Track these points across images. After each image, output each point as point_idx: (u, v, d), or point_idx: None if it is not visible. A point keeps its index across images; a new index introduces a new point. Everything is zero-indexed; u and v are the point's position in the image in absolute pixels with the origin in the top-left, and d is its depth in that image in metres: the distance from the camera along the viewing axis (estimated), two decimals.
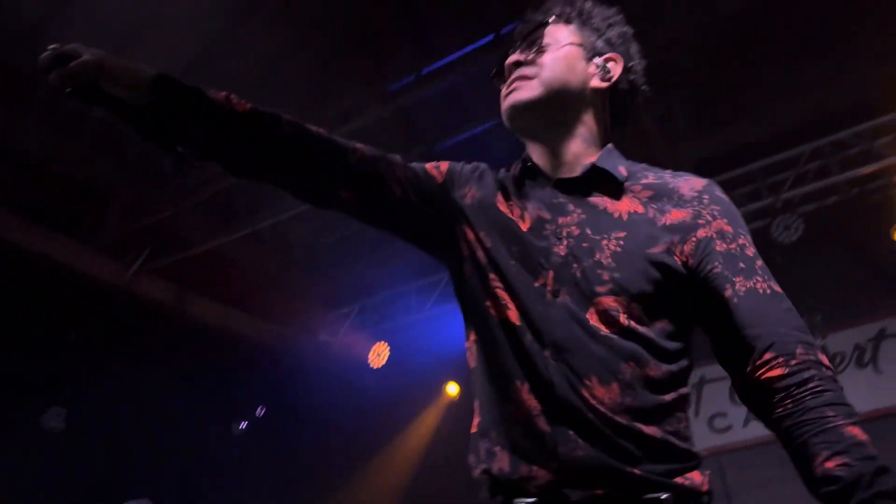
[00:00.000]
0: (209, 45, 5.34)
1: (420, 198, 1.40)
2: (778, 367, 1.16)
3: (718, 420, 6.43)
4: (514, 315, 1.27)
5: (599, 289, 1.23)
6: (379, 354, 7.12)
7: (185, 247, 6.12)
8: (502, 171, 1.48)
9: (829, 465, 1.07)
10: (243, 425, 7.69)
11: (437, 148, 5.28)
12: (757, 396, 1.19)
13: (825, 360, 1.17)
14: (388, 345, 7.11)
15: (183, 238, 6.13)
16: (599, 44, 1.43)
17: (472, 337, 1.37)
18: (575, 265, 1.26)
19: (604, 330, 1.21)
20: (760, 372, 1.17)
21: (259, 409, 7.73)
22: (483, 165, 1.49)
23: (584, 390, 1.18)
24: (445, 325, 6.61)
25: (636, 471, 1.14)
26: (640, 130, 4.75)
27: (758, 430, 6.25)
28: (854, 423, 1.10)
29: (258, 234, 6.41)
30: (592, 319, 1.22)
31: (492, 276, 1.32)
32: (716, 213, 1.29)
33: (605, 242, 1.26)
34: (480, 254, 1.35)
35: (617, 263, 1.24)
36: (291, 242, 6.98)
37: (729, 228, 1.28)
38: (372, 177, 1.35)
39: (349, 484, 7.62)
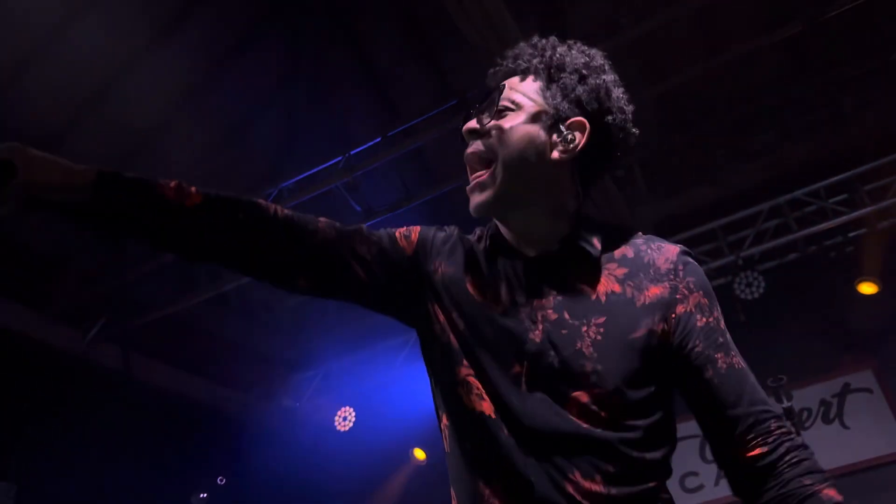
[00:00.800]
0: (183, 102, 5.34)
1: (387, 275, 1.32)
2: (759, 447, 1.19)
3: (690, 479, 6.36)
4: (488, 407, 1.21)
5: (581, 381, 1.19)
6: (345, 419, 6.95)
7: (144, 312, 5.98)
8: (473, 236, 1.40)
9: None
10: (203, 496, 7.38)
11: (399, 210, 5.29)
12: (741, 472, 1.22)
13: (791, 429, 1.23)
14: (354, 409, 6.96)
15: (142, 303, 5.99)
16: (565, 106, 1.29)
17: (445, 421, 1.30)
18: (552, 353, 1.20)
19: (585, 425, 1.17)
20: (744, 451, 1.20)
21: (219, 478, 7.44)
22: (454, 235, 1.40)
23: (569, 485, 1.14)
24: (413, 388, 6.50)
25: None
26: (603, 191, 4.82)
27: (729, 489, 6.20)
28: (830, 486, 1.16)
29: (221, 298, 6.30)
30: (572, 413, 1.18)
31: (465, 362, 1.25)
32: (692, 285, 1.27)
33: (584, 329, 1.21)
34: (452, 337, 1.27)
35: (598, 354, 1.19)
36: (255, 306, 6.87)
37: (705, 301, 1.26)
38: (332, 263, 1.28)
39: None
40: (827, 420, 6.10)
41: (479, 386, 1.22)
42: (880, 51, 5.52)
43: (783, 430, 1.20)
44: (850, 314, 6.03)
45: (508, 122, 1.28)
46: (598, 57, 1.36)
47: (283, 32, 5.83)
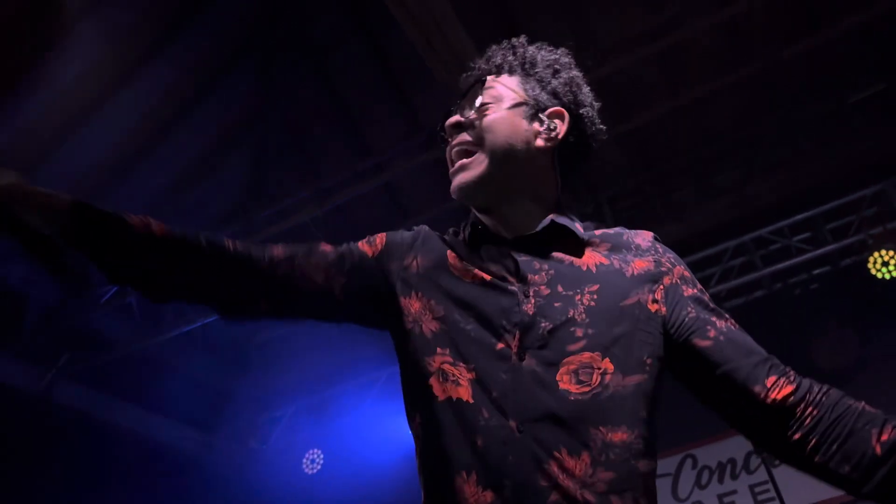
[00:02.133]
0: (144, 142, 5.30)
1: (350, 280, 1.31)
2: (787, 385, 1.19)
3: None
4: (465, 392, 1.17)
5: (572, 347, 1.18)
6: (313, 461, 6.80)
7: (107, 350, 5.84)
8: (449, 233, 1.40)
9: (885, 437, 1.12)
10: None
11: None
12: (776, 418, 1.18)
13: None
14: (322, 451, 6.81)
15: (105, 341, 5.86)
16: (544, 97, 1.36)
17: (417, 421, 1.25)
18: (544, 324, 1.19)
19: (574, 392, 1.15)
20: (775, 393, 1.18)
21: None
22: (424, 230, 1.40)
23: (554, 464, 1.10)
24: (384, 428, 6.40)
25: None
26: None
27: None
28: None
29: (187, 336, 6.19)
30: (563, 382, 1.15)
31: (439, 350, 1.22)
32: (672, 260, 1.33)
33: (578, 298, 1.22)
34: (428, 325, 1.25)
35: (591, 318, 1.20)
36: (222, 344, 6.75)
37: (688, 274, 1.32)
38: (287, 278, 1.27)
39: None
40: None
41: (456, 372, 1.19)
42: (838, 93, 5.70)
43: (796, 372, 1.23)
44: (817, 351, 6.11)
45: (492, 114, 1.32)
46: (565, 56, 1.44)
47: (254, 69, 5.85)
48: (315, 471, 6.69)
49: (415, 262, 1.33)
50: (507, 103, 1.34)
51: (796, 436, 1.18)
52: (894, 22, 5.00)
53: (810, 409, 1.18)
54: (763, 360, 1.22)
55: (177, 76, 5.16)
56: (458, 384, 1.18)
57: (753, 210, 5.97)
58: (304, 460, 6.73)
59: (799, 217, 5.94)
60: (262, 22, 5.67)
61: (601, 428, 1.13)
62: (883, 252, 5.56)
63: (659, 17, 4.63)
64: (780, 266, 5.99)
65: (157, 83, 5.05)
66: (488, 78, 1.39)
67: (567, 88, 1.38)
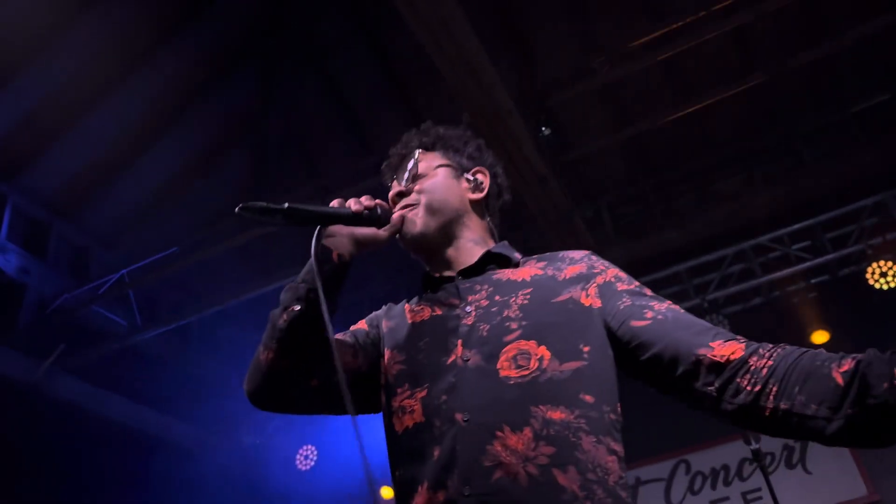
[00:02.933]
0: (146, 136, 5.29)
1: (367, 353, 1.49)
2: (736, 345, 1.20)
3: None
4: (418, 415, 1.29)
5: (508, 338, 1.30)
6: (307, 457, 6.80)
7: (102, 343, 5.84)
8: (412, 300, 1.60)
9: (845, 367, 1.08)
10: None
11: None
12: (730, 377, 1.17)
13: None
14: (316, 447, 6.81)
15: (101, 334, 5.85)
16: (464, 161, 1.62)
17: (391, 460, 1.38)
18: (482, 326, 1.34)
19: (514, 376, 1.25)
20: (722, 350, 1.19)
21: None
22: (389, 304, 1.62)
23: (497, 443, 1.18)
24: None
25: None
26: (571, 230, 4.87)
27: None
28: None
29: (183, 331, 6.18)
30: (503, 370, 1.26)
31: (398, 390, 1.36)
32: (606, 266, 1.45)
33: (513, 300, 1.37)
34: (391, 375, 1.40)
35: (524, 313, 1.34)
36: (218, 340, 6.75)
37: (623, 275, 1.42)
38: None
39: None
40: (790, 465, 6.12)
41: (411, 402, 1.32)
42: (840, 104, 5.71)
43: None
44: None
45: (427, 181, 1.56)
46: (467, 130, 1.71)
47: (256, 68, 5.85)
48: (309, 467, 6.69)
49: (385, 325, 1.53)
50: (439, 171, 1.59)
51: (756, 388, 1.15)
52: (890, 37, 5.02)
53: (764, 360, 1.16)
54: (707, 329, 1.25)
55: (180, 72, 5.16)
56: (413, 411, 1.31)
57: (754, 218, 5.97)
58: (298, 456, 6.73)
59: (799, 226, 5.95)
60: (265, 22, 5.67)
61: (541, 406, 1.22)
62: (882, 262, 5.57)
63: (664, 25, 4.64)
64: (778, 274, 5.99)
65: (159, 79, 5.05)
66: (417, 153, 1.61)
67: (479, 153, 1.66)
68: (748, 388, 1.16)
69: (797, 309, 6.23)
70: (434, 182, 1.56)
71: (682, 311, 1.32)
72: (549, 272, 1.42)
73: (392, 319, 1.53)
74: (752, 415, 1.16)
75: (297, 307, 1.32)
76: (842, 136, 5.78)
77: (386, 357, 1.45)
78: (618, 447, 1.26)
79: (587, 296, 1.37)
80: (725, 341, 1.21)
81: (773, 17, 4.70)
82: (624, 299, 1.34)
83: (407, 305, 1.54)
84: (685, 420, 6.59)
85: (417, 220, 1.50)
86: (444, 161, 1.61)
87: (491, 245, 1.56)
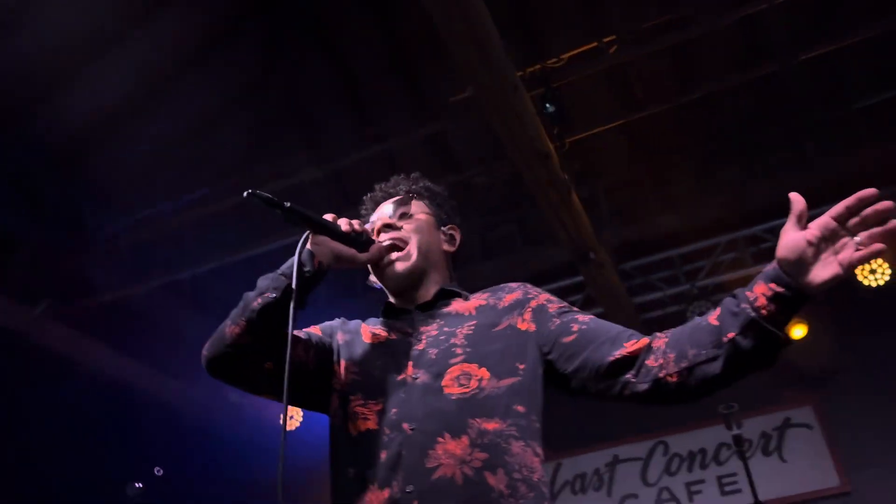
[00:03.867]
0: (148, 93, 5.25)
1: (317, 352, 1.67)
2: (643, 339, 1.47)
3: (629, 501, 6.45)
4: (372, 423, 1.50)
5: (453, 360, 1.54)
6: (292, 417, 6.87)
7: (94, 295, 5.85)
8: (368, 321, 1.81)
9: (716, 313, 1.38)
10: (139, 486, 7.22)
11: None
12: (641, 361, 1.45)
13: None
14: (303, 409, 6.87)
15: (93, 285, 5.86)
16: (443, 216, 1.88)
17: (334, 454, 1.58)
18: (431, 351, 1.57)
19: (456, 393, 1.48)
20: (632, 348, 1.46)
21: (157, 469, 7.28)
22: (342, 319, 1.83)
23: (438, 447, 1.40)
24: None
25: None
26: (570, 211, 4.88)
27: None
28: None
29: (175, 286, 6.20)
30: (447, 387, 1.49)
31: (352, 398, 1.57)
32: (538, 292, 1.70)
33: (459, 330, 1.60)
34: (346, 383, 1.61)
35: (468, 341, 1.57)
36: (209, 297, 6.78)
37: (553, 298, 1.68)
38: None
39: None
40: (766, 452, 6.25)
41: (365, 410, 1.53)
42: (845, 100, 5.70)
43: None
44: (795, 351, 6.19)
45: (415, 223, 1.79)
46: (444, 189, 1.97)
47: (260, 35, 5.77)
48: (294, 428, 6.77)
49: (340, 336, 1.73)
50: (424, 218, 1.82)
51: (659, 361, 1.41)
52: None
53: (661, 339, 1.44)
54: (621, 332, 1.51)
55: (181, 35, 5.10)
56: (367, 419, 1.52)
57: (750, 209, 6.00)
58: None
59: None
60: None
61: (477, 419, 1.44)
62: (872, 260, 5.62)
63: (674, 11, 4.61)
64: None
65: (160, 40, 4.99)
66: (405, 195, 1.85)
67: (454, 211, 1.92)
68: (654, 365, 1.41)
69: None
70: (421, 228, 1.78)
71: (603, 321, 1.57)
72: (491, 302, 1.68)
73: (347, 334, 1.74)
74: (663, 387, 1.40)
75: (273, 295, 1.48)
76: (845, 132, 5.78)
77: (342, 366, 1.65)
78: (540, 451, 1.50)
79: (523, 321, 1.62)
80: (637, 339, 1.47)
81: (785, 9, 4.67)
82: (554, 320, 1.60)
83: (364, 325, 1.75)
84: None
85: (408, 261, 1.72)
86: (429, 211, 1.84)
87: (447, 283, 1.80)
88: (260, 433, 7.00)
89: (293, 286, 1.46)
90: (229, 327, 1.52)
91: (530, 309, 1.64)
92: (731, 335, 1.32)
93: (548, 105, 4.27)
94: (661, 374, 1.40)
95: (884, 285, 5.62)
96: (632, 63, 4.93)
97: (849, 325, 6.07)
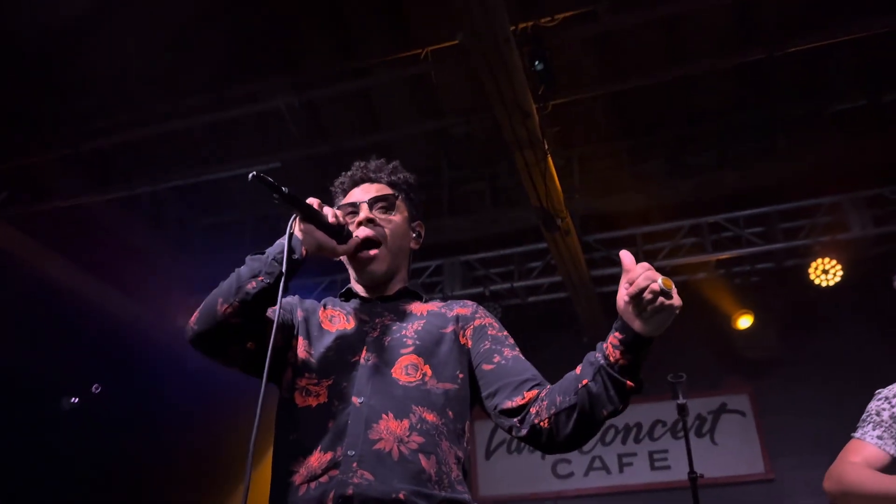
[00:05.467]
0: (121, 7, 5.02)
1: (283, 334, 1.75)
2: (535, 391, 1.60)
3: (562, 466, 6.61)
4: (323, 397, 1.62)
5: (403, 350, 1.68)
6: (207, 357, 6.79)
7: (48, 199, 5.67)
8: (328, 300, 1.92)
9: (580, 366, 1.53)
10: (74, 401, 7.15)
11: (344, 146, 5.18)
12: (523, 412, 1.59)
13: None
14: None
15: (48, 189, 5.67)
16: (414, 213, 1.96)
17: (276, 432, 1.66)
18: (385, 338, 1.72)
19: (403, 380, 1.63)
20: (526, 398, 1.59)
21: (95, 386, 7.21)
22: (298, 297, 1.90)
23: (382, 423, 1.54)
24: None
25: (401, 495, 1.45)
26: (543, 175, 4.87)
27: (598, 480, 6.51)
28: None
29: (133, 201, 6.05)
30: (396, 373, 1.64)
31: (307, 375, 1.67)
32: (487, 314, 1.84)
33: (409, 325, 1.75)
34: (300, 358, 1.71)
35: (417, 335, 1.72)
36: (167, 218, 6.63)
37: (497, 324, 1.81)
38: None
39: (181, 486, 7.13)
40: (700, 434, 6.44)
41: (317, 388, 1.64)
42: (824, 99, 5.76)
43: (543, 382, 1.63)
44: (738, 340, 6.36)
45: (392, 222, 1.87)
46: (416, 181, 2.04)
47: None
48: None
49: (299, 314, 1.82)
50: (400, 216, 1.90)
51: (537, 408, 1.56)
52: (889, 43, 5.05)
53: (545, 391, 1.58)
54: (527, 380, 1.63)
55: None
56: (318, 395, 1.63)
57: (716, 196, 6.07)
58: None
59: (756, 211, 6.08)
60: None
61: (419, 407, 1.59)
62: (826, 260, 5.75)
63: None
64: (726, 254, 6.15)
65: None
66: (382, 188, 1.91)
67: (421, 207, 2.01)
68: (533, 412, 1.56)
69: (736, 289, 6.42)
70: (398, 228, 1.87)
71: (521, 358, 1.70)
72: (443, 310, 1.83)
73: (304, 311, 1.83)
74: (538, 432, 1.55)
75: (267, 280, 1.57)
76: (817, 131, 5.86)
77: (299, 343, 1.75)
78: (461, 455, 1.63)
79: (464, 336, 1.76)
80: (533, 387, 1.61)
81: None
82: (486, 343, 1.73)
83: (322, 307, 1.85)
84: None
85: (383, 263, 1.83)
86: (405, 210, 1.93)
87: (407, 282, 1.94)
88: (204, 361, 6.93)
89: (284, 267, 1.57)
90: (221, 305, 1.58)
91: (472, 326, 1.78)
92: (584, 381, 1.48)
93: (537, 62, 4.20)
94: (535, 421, 1.54)
95: (833, 286, 5.76)
96: (621, 32, 4.88)
97: (795, 321, 6.24)
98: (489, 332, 1.76)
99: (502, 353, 1.70)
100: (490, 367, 1.69)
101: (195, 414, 6.89)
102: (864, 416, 2.31)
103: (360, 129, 5.44)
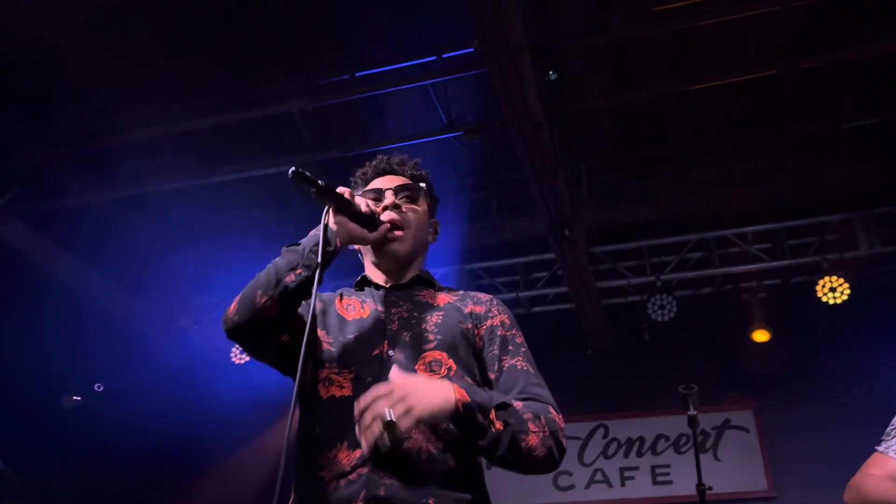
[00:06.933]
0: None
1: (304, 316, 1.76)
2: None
3: (563, 478, 6.57)
4: (347, 390, 1.61)
5: (427, 346, 1.67)
6: (242, 351, 6.80)
7: (57, 197, 5.67)
8: (345, 289, 1.93)
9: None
10: (77, 399, 7.13)
11: (350, 153, 5.18)
12: None
13: (544, 397, 1.67)
14: None
15: (57, 187, 5.67)
16: (432, 210, 2.01)
17: (301, 414, 1.68)
18: (405, 333, 1.70)
19: (427, 377, 1.59)
20: None
21: (97, 385, 7.19)
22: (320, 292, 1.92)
23: None
24: None
25: (431, 500, 1.46)
26: (552, 185, 4.86)
27: (599, 493, 6.46)
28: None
29: (140, 200, 6.04)
30: (419, 370, 1.62)
31: (327, 364, 1.67)
32: (500, 311, 1.83)
33: (428, 317, 1.74)
34: (321, 350, 1.71)
35: (439, 329, 1.71)
36: (174, 217, 6.63)
37: (508, 322, 1.81)
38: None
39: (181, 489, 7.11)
40: (703, 449, 6.39)
41: (340, 378, 1.63)
42: (833, 118, 5.75)
43: (532, 396, 1.63)
44: (744, 356, 6.33)
45: (415, 211, 1.91)
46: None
47: None
48: (244, 361, 6.70)
49: (318, 304, 1.81)
50: (422, 209, 1.94)
51: None
52: None
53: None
54: (517, 393, 1.63)
55: None
56: (342, 386, 1.63)
57: (723, 211, 6.05)
58: (234, 349, 6.71)
59: (764, 227, 6.06)
60: None
61: None
62: (833, 278, 5.72)
63: None
64: (734, 269, 6.13)
65: None
66: (413, 182, 1.96)
67: (436, 207, 2.06)
68: None
69: (744, 305, 6.40)
70: (420, 218, 1.91)
71: (521, 368, 1.70)
72: (459, 303, 1.82)
73: (323, 303, 1.84)
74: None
75: (305, 273, 1.60)
76: (826, 149, 5.85)
77: (319, 334, 1.74)
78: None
79: (478, 336, 1.76)
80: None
81: (791, 15, 4.66)
82: (493, 348, 1.74)
83: (339, 298, 1.86)
84: (609, 387, 6.83)
85: (406, 245, 1.85)
86: (426, 203, 1.97)
87: (420, 269, 1.95)
88: (204, 360, 6.92)
89: (319, 258, 1.60)
90: (260, 297, 1.60)
91: (485, 327, 1.77)
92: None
93: (551, 72, 4.20)
94: None
95: (841, 304, 5.72)
96: (632, 45, 4.87)
97: (801, 338, 6.20)
98: (498, 334, 1.76)
99: (501, 364, 1.71)
100: (492, 375, 1.71)
101: (199, 412, 6.88)
102: (888, 430, 2.29)
103: (368, 135, 5.43)
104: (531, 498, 6.42)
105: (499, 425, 1.47)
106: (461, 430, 1.49)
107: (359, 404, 1.39)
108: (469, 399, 1.46)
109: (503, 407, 1.50)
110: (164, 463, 7.00)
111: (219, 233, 6.91)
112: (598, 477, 6.53)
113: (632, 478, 6.49)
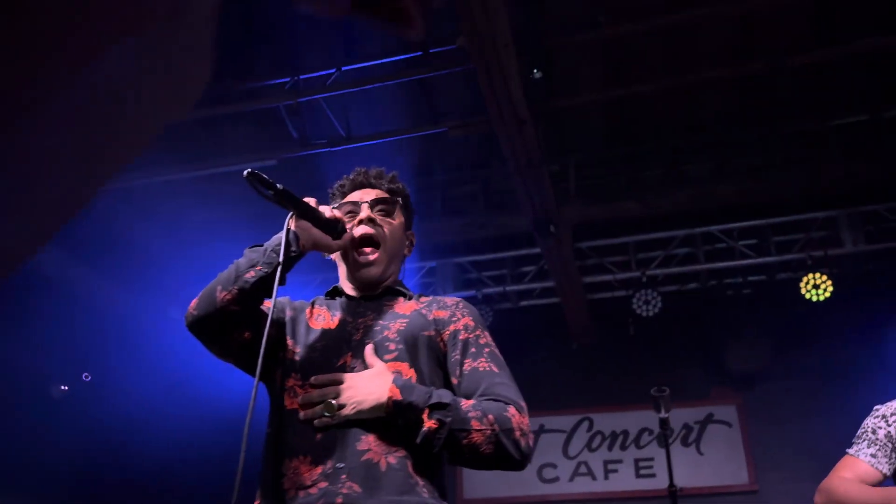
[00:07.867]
0: None
1: (277, 331, 1.80)
2: None
3: (547, 470, 6.62)
4: None
5: (387, 357, 1.68)
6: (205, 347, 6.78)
7: (43, 188, 5.64)
8: (318, 298, 1.96)
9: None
10: (64, 388, 7.13)
11: (337, 148, 5.16)
12: None
13: (506, 396, 1.67)
14: None
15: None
16: (408, 223, 2.02)
17: (267, 431, 1.70)
18: (367, 342, 1.71)
19: None
20: None
21: (85, 374, 7.19)
22: (289, 298, 1.96)
23: (370, 434, 1.57)
24: None
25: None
26: (538, 182, 4.87)
27: (583, 486, 6.51)
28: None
29: (126, 192, 6.02)
30: None
31: (293, 374, 1.70)
32: (465, 313, 1.84)
33: (392, 324, 1.76)
34: (288, 358, 1.74)
35: (400, 336, 1.72)
36: (161, 210, 6.61)
37: (472, 324, 1.81)
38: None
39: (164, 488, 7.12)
40: (686, 443, 6.45)
41: (301, 390, 1.66)
42: (824, 115, 5.76)
43: (493, 397, 1.65)
44: (727, 351, 6.38)
45: (391, 226, 1.92)
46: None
47: None
48: None
49: (288, 313, 1.86)
50: (398, 223, 1.96)
51: None
52: (889, 60, 5.06)
53: None
54: (479, 395, 1.65)
55: None
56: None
57: (710, 207, 6.07)
58: None
59: (750, 223, 6.09)
60: None
61: None
62: (817, 275, 5.76)
63: None
64: (719, 265, 6.16)
65: None
66: (390, 195, 1.96)
67: (414, 218, 2.07)
68: None
69: (728, 301, 6.44)
70: (395, 231, 1.92)
71: (483, 370, 1.71)
72: (424, 310, 1.83)
73: (294, 311, 1.87)
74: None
75: (265, 270, 1.64)
76: (815, 146, 5.86)
77: (287, 342, 1.78)
78: (444, 460, 1.68)
79: (441, 340, 1.78)
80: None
81: (782, 10, 4.66)
82: (455, 353, 1.75)
83: (310, 306, 1.89)
84: (594, 381, 6.87)
85: (380, 267, 1.87)
86: (402, 217, 1.98)
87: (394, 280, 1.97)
88: (194, 352, 6.90)
89: (281, 257, 1.64)
90: (220, 293, 1.65)
91: (448, 332, 1.79)
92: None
93: (535, 71, 4.20)
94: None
95: (824, 301, 5.76)
96: (622, 41, 4.87)
97: (785, 334, 6.25)
98: (460, 338, 1.77)
99: (462, 368, 1.73)
100: (454, 380, 1.73)
101: (185, 406, 6.88)
102: (859, 433, 2.32)
103: (357, 129, 5.43)
104: (515, 490, 6.47)
105: (430, 423, 1.53)
106: (394, 426, 1.56)
107: (314, 380, 1.59)
108: (401, 398, 1.54)
109: (440, 406, 1.55)
110: (150, 454, 7.00)
111: (205, 226, 6.89)
112: (583, 469, 6.59)
113: (615, 470, 6.54)
